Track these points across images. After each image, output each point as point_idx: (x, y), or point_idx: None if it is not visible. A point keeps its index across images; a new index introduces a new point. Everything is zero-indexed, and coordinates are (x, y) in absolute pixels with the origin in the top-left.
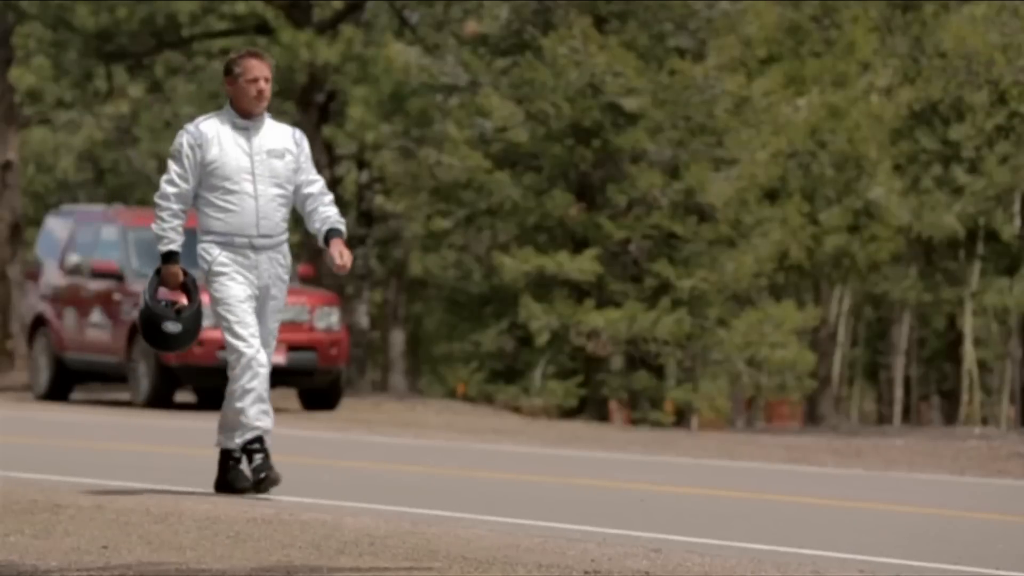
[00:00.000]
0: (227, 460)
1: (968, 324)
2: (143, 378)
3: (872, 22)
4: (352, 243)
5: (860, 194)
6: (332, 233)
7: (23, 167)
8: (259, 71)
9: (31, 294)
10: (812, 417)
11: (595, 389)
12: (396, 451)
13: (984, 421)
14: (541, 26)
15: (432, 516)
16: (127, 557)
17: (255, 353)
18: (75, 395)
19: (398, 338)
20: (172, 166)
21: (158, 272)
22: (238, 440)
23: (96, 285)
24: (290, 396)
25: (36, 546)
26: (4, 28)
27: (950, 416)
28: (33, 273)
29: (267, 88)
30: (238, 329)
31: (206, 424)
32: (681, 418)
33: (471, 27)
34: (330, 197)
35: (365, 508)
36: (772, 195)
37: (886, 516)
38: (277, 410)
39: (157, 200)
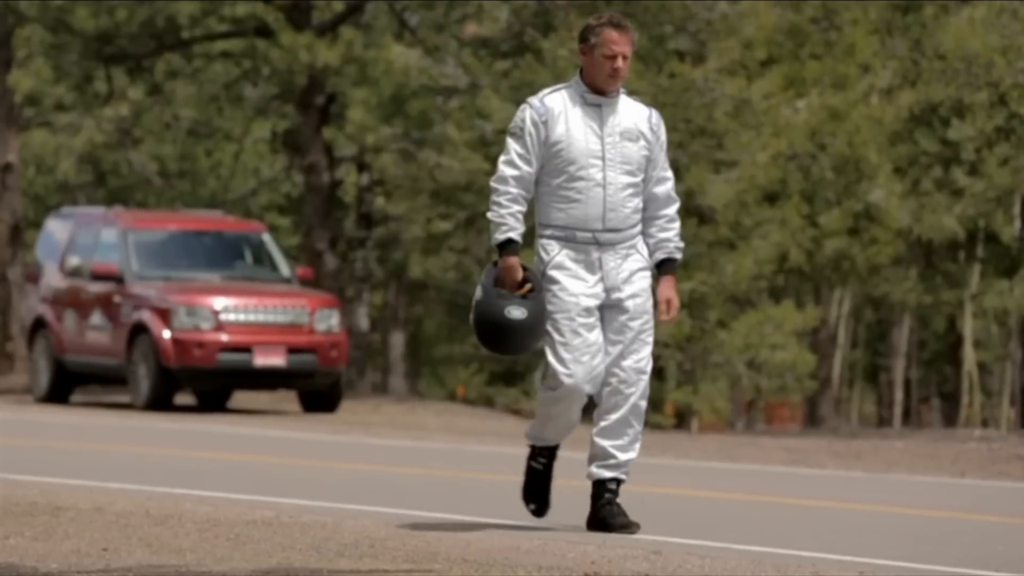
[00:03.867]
0: (530, 467)
1: (968, 326)
2: (143, 380)
3: (872, 24)
4: (352, 245)
5: (860, 196)
6: (665, 266)
7: (23, 169)
8: (618, 46)
9: (31, 296)
10: (812, 419)
11: None
12: (396, 453)
13: (984, 423)
14: (541, 28)
15: (432, 518)
16: (127, 559)
17: (572, 384)
18: (75, 397)
19: (398, 340)
20: (512, 145)
21: (495, 265)
22: (528, 438)
23: (96, 287)
24: (290, 398)
25: (36, 548)
26: (4, 30)
27: (950, 418)
28: (33, 275)
29: (625, 67)
30: (562, 352)
31: (205, 427)
32: (681, 420)
33: (471, 29)
34: (675, 206)
35: (365, 510)
36: (772, 197)
37: (886, 518)
38: (276, 412)
39: (493, 184)
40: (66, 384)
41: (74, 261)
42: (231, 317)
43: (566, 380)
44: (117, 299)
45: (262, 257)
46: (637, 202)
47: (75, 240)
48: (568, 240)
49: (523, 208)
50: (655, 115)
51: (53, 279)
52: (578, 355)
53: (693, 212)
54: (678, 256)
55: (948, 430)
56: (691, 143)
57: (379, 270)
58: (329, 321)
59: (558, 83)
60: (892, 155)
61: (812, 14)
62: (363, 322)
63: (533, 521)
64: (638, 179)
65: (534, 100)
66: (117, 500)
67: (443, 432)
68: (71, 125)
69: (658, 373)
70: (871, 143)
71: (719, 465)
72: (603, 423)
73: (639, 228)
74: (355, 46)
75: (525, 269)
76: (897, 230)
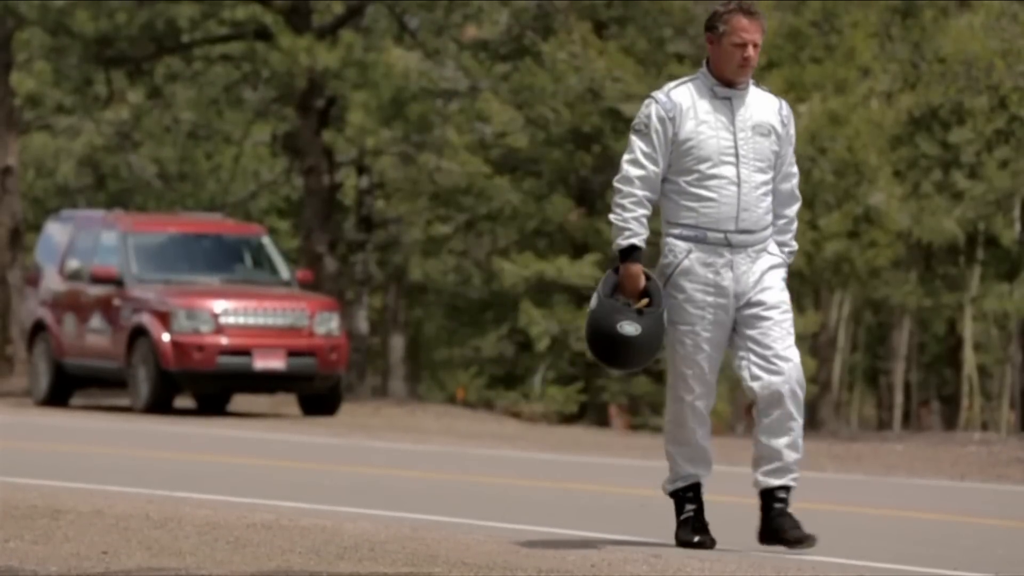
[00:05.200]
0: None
1: (968, 329)
2: (143, 383)
3: (872, 28)
4: (352, 248)
5: (860, 199)
6: None
7: (23, 172)
8: (749, 34)
9: (31, 299)
10: (812, 422)
11: (595, 394)
12: (396, 456)
13: (984, 426)
14: (541, 31)
15: (432, 521)
16: (127, 563)
17: (692, 400)
18: (75, 400)
19: (398, 343)
20: (637, 143)
21: (615, 271)
22: (667, 487)
23: (96, 290)
24: (290, 401)
25: (36, 552)
26: (4, 33)
27: (950, 421)
28: (33, 278)
29: (755, 56)
30: (682, 366)
31: (205, 430)
32: None
33: (471, 32)
34: (797, 205)
35: (365, 513)
36: None
37: (886, 521)
38: (277, 415)
39: (617, 184)
40: (66, 387)
41: (74, 264)
42: (231, 320)
43: (686, 396)
44: (117, 302)
45: (262, 260)
46: (770, 202)
47: (75, 243)
48: (698, 240)
49: (648, 211)
50: (785, 107)
51: (53, 282)
52: (698, 371)
53: None
54: (790, 260)
55: (948, 433)
56: None
57: (379, 273)
58: (329, 324)
59: (557, 86)
60: (892, 158)
61: (812, 17)
62: (363, 325)
63: (532, 524)
64: (770, 176)
65: (659, 95)
66: (117, 503)
67: (443, 435)
68: (71, 128)
69: (658, 376)
70: (871, 146)
71: (719, 468)
72: (765, 420)
73: (771, 230)
74: (355, 49)
75: (648, 278)
76: (897, 233)
